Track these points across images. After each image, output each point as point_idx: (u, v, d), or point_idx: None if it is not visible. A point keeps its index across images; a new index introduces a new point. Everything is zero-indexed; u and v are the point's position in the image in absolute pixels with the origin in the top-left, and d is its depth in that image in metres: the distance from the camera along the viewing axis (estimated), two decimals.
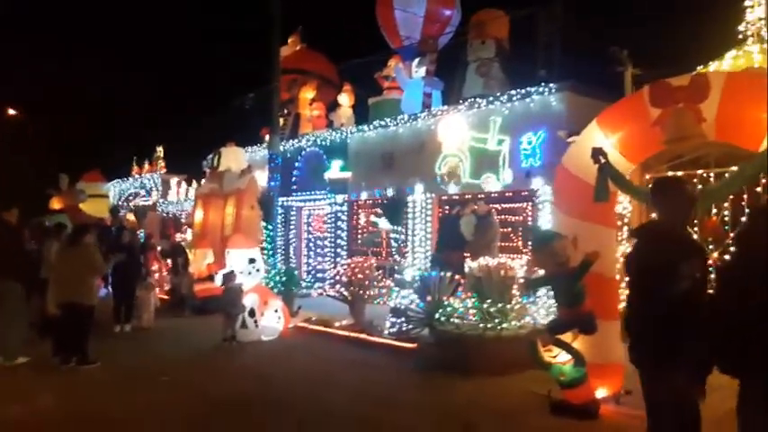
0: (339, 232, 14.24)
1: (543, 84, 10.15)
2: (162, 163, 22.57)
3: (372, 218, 13.27)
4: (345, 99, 15.59)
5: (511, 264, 7.98)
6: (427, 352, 7.63)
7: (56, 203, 24.21)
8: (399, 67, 13.91)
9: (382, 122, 13.01)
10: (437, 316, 7.71)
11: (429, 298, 7.99)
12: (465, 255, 9.36)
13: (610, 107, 6.24)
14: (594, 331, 5.63)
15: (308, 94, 17.64)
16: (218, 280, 9.49)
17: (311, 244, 15.76)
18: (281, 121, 16.39)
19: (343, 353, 8.46)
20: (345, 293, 9.61)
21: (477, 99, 11.04)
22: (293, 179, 15.55)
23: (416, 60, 13.28)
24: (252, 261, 9.40)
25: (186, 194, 20.75)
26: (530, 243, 8.18)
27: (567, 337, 5.80)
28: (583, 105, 9.77)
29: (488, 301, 7.56)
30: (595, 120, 6.03)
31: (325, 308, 11.03)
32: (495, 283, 7.70)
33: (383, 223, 13.11)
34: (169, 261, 13.89)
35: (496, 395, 6.34)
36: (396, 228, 8.80)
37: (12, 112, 32.77)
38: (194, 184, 20.53)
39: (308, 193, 15.16)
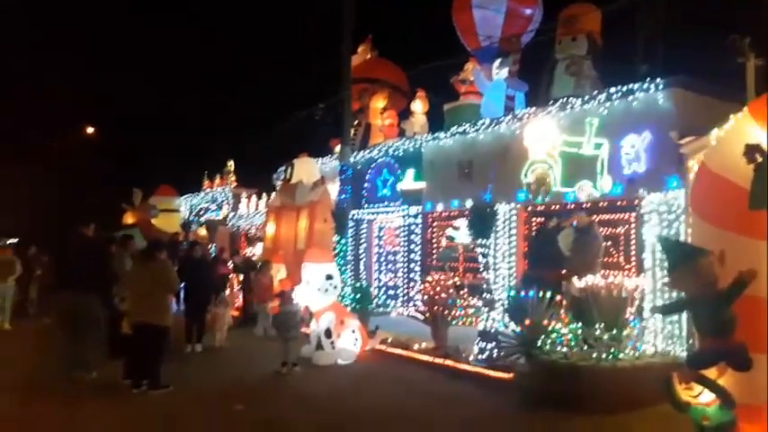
0: (412, 246, 13.43)
1: (648, 80, 9.04)
2: (233, 177, 22.53)
3: (448, 231, 12.41)
4: (419, 106, 14.86)
5: (623, 283, 6.93)
6: (527, 384, 6.69)
7: (129, 218, 24.64)
8: (478, 69, 13.05)
9: (460, 128, 12.17)
10: (539, 343, 6.76)
11: (528, 321, 7.04)
12: (562, 272, 8.34)
13: None
14: (749, 366, 4.59)
15: (378, 103, 17.08)
16: (297, 296, 8.87)
17: (382, 259, 15.02)
18: (352, 131, 15.88)
19: (428, 382, 7.62)
20: (427, 314, 8.78)
21: (571, 99, 10.02)
22: (364, 191, 14.92)
23: (497, 62, 12.38)
24: (329, 277, 8.73)
25: (257, 208, 20.56)
26: (663, 259, 7.03)
27: (710, 372, 4.78)
28: (695, 103, 8.65)
29: (597, 326, 6.55)
30: (747, 108, 4.99)
31: (401, 328, 10.24)
32: (605, 306, 6.67)
33: (460, 237, 12.24)
34: (241, 276, 13.48)
35: None
36: (482, 242, 7.92)
37: (90, 130, 34.08)
38: (264, 197, 20.34)
39: (379, 205, 14.46)
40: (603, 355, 6.22)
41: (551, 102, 10.44)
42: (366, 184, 14.91)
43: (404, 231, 13.71)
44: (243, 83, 38.14)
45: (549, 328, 6.92)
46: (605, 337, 6.31)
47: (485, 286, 8.08)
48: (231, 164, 23.08)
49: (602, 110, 9.55)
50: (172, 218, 24.84)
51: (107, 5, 38.02)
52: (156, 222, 23.66)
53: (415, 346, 9.10)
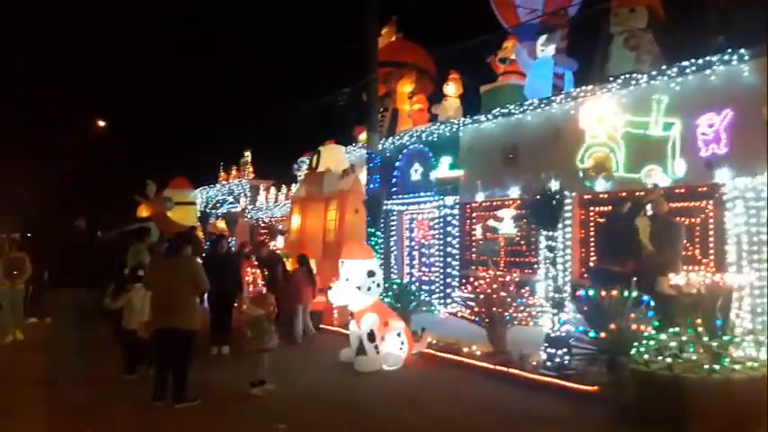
0: (449, 239, 12.47)
1: (728, 51, 8.01)
2: (250, 168, 21.64)
3: (490, 222, 11.45)
4: (452, 89, 13.84)
5: (726, 280, 5.95)
6: (618, 399, 5.73)
7: (143, 211, 23.84)
8: (520, 47, 12.03)
9: (503, 110, 11.17)
10: (627, 350, 5.80)
11: (612, 325, 6.08)
12: (637, 266, 7.37)
13: None
14: None
15: (405, 87, 16.07)
16: (335, 296, 7.97)
17: (414, 252, 14.07)
18: (378, 117, 14.90)
19: (494, 394, 6.67)
20: (481, 314, 7.84)
21: (636, 76, 9.01)
22: (393, 180, 13.96)
23: (543, 38, 11.36)
24: (371, 274, 7.80)
25: (276, 200, 19.68)
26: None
27: None
28: None
29: (698, 330, 5.58)
30: None
31: (444, 328, 9.31)
32: (708, 307, 5.70)
33: (505, 228, 11.27)
34: (266, 271, 12.56)
35: None
36: (550, 233, 6.94)
37: (101, 123, 33.29)
38: (284, 188, 19.47)
39: (410, 195, 13.49)
40: (712, 365, 5.24)
41: (610, 78, 9.42)
42: (396, 173, 13.95)
43: (439, 223, 12.75)
44: (259, 67, 36.79)
45: (639, 333, 5.96)
46: (715, 343, 5.32)
47: (551, 284, 7.12)
48: (248, 155, 22.19)
49: (673, 86, 8.53)
50: (188, 210, 24.00)
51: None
52: (171, 215, 22.86)
53: (468, 351, 8.18)
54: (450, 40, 16.01)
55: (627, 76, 9.15)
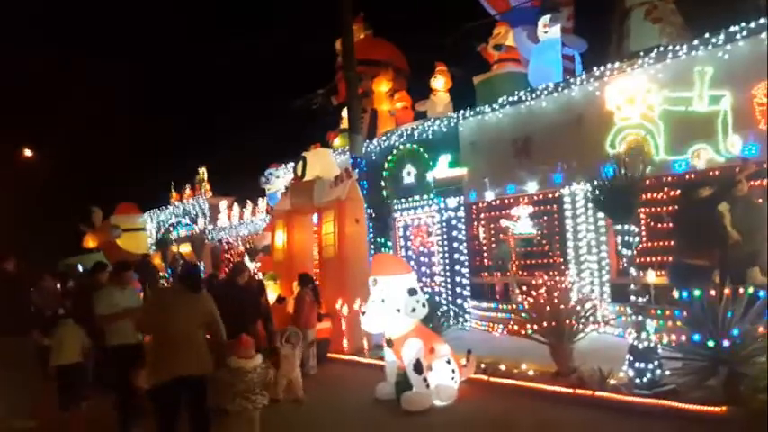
0: (455, 245, 11.30)
1: None
2: (206, 185, 19.84)
3: (504, 222, 10.38)
4: (440, 82, 12.74)
5: None
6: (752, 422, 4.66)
7: (90, 241, 21.67)
8: (520, 30, 11.06)
9: (512, 98, 10.14)
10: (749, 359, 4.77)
11: (738, 331, 5.02)
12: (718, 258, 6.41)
13: None
14: None
15: (382, 86, 14.96)
16: (370, 321, 6.61)
17: (411, 262, 12.82)
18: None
19: (584, 424, 5.49)
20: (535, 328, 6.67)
21: (673, 48, 8.13)
22: (383, 185, 12.71)
23: (546, 18, 10.42)
24: (413, 292, 6.49)
25: (241, 217, 18.01)
26: None
27: None
28: None
29: None
30: None
31: (480, 347, 8.04)
32: None
33: (521, 227, 10.22)
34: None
35: None
36: (625, 227, 5.86)
37: (28, 153, 30.34)
38: (249, 204, 17.86)
39: (403, 200, 12.26)
40: None
41: (641, 54, 8.51)
42: (385, 177, 12.71)
43: (441, 228, 11.56)
44: (208, 72, 33.91)
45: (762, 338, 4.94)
46: None
47: (632, 287, 6.04)
48: (203, 171, 20.37)
49: (721, 54, 7.69)
50: (138, 237, 22.04)
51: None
52: (120, 243, 20.80)
53: (515, 370, 7.01)
54: (425, 35, 15.06)
55: (661, 48, 8.27)
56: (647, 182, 8.37)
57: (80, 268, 18.56)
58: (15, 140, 29.35)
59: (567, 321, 6.49)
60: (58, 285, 11.43)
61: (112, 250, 19.83)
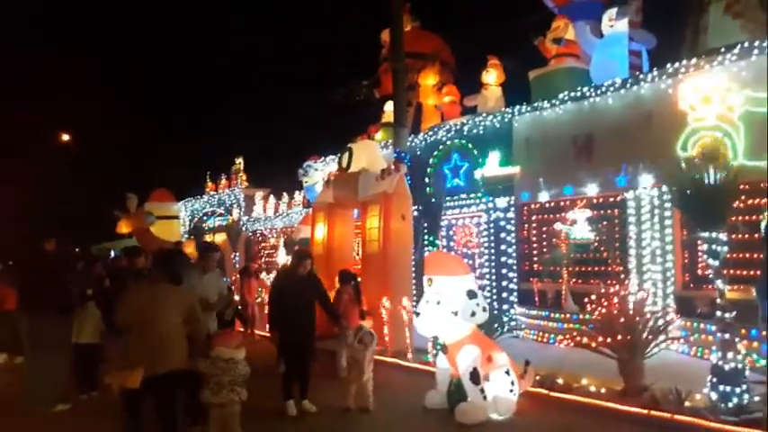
0: (503, 247, 10.75)
1: None
2: (243, 176, 19.62)
3: (558, 225, 9.79)
4: (492, 76, 12.19)
5: None
6: None
7: (123, 227, 21.64)
8: (583, 24, 10.47)
9: (574, 94, 9.57)
10: None
11: None
12: None
13: None
14: None
15: (429, 80, 14.48)
16: (424, 324, 6.14)
17: None
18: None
19: None
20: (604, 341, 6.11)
21: (759, 45, 7.49)
22: (427, 181, 12.23)
23: (613, 11, 9.80)
24: (472, 295, 6.01)
25: (276, 210, 17.73)
26: None
27: None
28: None
29: None
30: None
31: (535, 356, 7.40)
32: None
33: (577, 232, 9.64)
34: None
35: None
36: (713, 235, 5.28)
37: (65, 137, 30.64)
38: (285, 197, 17.57)
39: (448, 198, 11.75)
40: None
41: (722, 49, 7.88)
42: (429, 174, 12.23)
43: (489, 229, 11.03)
44: (252, 69, 33.69)
45: None
46: None
47: (719, 300, 5.47)
48: (240, 162, 20.16)
49: None
50: (171, 225, 21.94)
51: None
52: (154, 230, 20.72)
53: (575, 385, 6.47)
54: (470, 29, 14.52)
55: (746, 45, 7.62)
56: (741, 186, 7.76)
57: (112, 254, 18.54)
58: (54, 125, 29.77)
59: (643, 336, 5.91)
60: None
61: (145, 236, 19.74)
